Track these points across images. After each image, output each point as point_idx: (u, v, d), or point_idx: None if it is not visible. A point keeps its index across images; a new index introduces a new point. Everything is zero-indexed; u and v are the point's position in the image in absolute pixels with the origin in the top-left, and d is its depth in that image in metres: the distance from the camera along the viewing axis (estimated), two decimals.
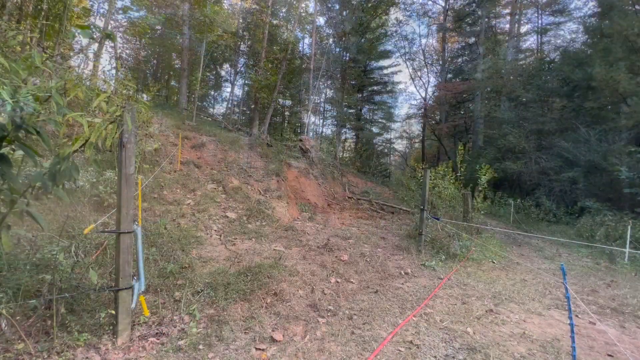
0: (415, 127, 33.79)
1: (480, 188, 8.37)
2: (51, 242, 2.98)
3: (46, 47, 8.68)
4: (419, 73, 28.47)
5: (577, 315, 3.64)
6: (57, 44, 8.56)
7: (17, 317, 2.20)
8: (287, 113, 25.05)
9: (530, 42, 23.25)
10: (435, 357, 2.63)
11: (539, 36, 21.73)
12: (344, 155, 25.43)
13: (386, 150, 31.59)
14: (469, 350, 2.75)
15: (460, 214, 7.55)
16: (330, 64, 20.21)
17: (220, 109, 28.19)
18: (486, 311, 3.57)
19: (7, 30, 5.41)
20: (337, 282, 4.19)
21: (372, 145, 26.77)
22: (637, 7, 11.71)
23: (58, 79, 1.85)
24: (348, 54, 22.74)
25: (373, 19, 22.62)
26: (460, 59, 26.49)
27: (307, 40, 23.09)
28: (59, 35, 8.54)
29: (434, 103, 26.96)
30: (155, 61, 22.08)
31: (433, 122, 26.73)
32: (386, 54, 26.28)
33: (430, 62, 28.16)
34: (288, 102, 24.34)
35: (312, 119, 23.24)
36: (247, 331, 2.76)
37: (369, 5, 20.99)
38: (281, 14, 19.30)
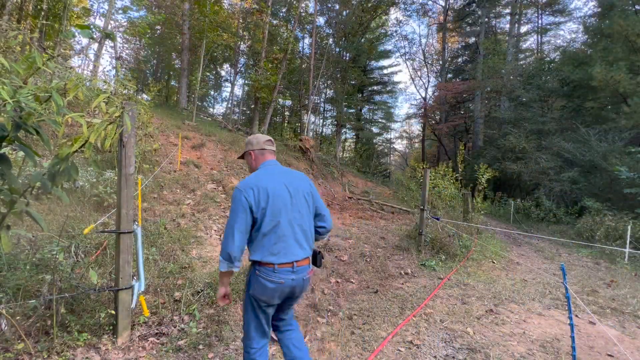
0: (415, 127, 33.81)
1: (480, 188, 8.37)
2: (51, 242, 2.98)
3: (46, 47, 8.69)
4: (419, 73, 28.50)
5: (577, 315, 3.63)
6: (57, 44, 8.56)
7: (17, 317, 2.20)
8: (287, 113, 25.04)
9: (530, 42, 23.27)
10: (435, 357, 2.63)
11: (539, 36, 21.73)
12: (344, 155, 25.43)
13: (386, 150, 31.60)
14: (469, 350, 2.75)
15: (460, 214, 7.55)
16: (330, 64, 20.20)
17: (220, 108, 28.23)
18: (486, 311, 3.57)
19: (7, 31, 5.41)
20: (337, 282, 4.19)
21: (372, 145, 26.77)
22: (637, 7, 11.71)
23: (59, 79, 1.85)
24: (348, 54, 22.74)
25: (373, 19, 22.62)
26: (460, 59, 26.51)
27: (307, 40, 23.08)
28: (59, 35, 8.55)
29: (434, 103, 26.97)
30: (155, 61, 22.09)
31: (433, 122, 26.74)
32: (386, 54, 26.31)
33: (430, 62, 28.20)
34: (288, 102, 24.33)
35: (312, 119, 23.23)
36: None
37: (369, 5, 20.99)
38: (281, 14, 19.29)
